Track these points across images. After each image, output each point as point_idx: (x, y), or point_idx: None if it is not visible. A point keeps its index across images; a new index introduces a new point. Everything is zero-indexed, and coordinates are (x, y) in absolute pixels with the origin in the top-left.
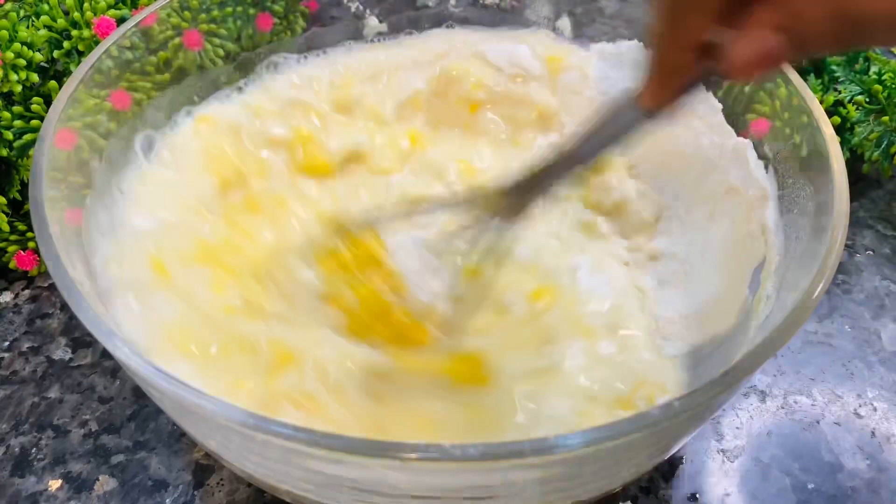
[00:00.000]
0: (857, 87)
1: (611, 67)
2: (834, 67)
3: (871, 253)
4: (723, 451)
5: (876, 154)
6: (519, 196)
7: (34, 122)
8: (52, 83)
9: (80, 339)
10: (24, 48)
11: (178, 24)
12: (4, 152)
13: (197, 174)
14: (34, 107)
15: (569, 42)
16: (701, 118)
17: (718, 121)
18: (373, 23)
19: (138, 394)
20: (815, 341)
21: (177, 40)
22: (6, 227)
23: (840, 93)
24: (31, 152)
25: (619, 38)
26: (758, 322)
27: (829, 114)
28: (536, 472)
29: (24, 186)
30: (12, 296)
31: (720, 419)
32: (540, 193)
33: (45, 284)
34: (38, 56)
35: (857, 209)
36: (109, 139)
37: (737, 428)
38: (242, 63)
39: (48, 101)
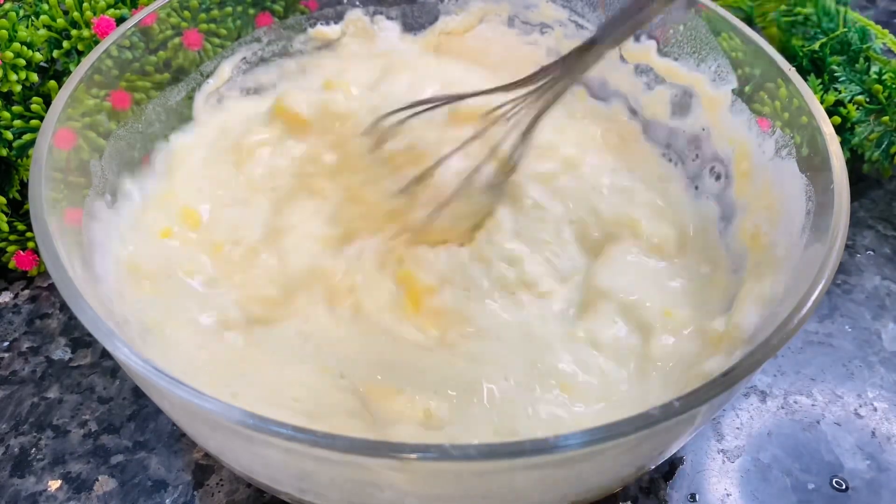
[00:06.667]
0: (858, 87)
1: None
2: (834, 67)
3: (872, 253)
4: (723, 451)
5: (876, 154)
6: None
7: (34, 122)
8: (52, 83)
9: (80, 339)
10: (24, 48)
11: (177, 24)
12: (4, 152)
13: None
14: (34, 107)
15: None
16: None
17: None
18: None
19: (138, 394)
20: (816, 341)
21: (176, 40)
22: (6, 227)
23: (840, 93)
24: (30, 152)
25: None
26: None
27: (830, 114)
28: (536, 472)
29: (24, 186)
30: (12, 296)
31: (720, 419)
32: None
33: (45, 284)
34: (38, 56)
35: (857, 209)
36: (109, 139)
37: (737, 428)
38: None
39: (48, 101)
